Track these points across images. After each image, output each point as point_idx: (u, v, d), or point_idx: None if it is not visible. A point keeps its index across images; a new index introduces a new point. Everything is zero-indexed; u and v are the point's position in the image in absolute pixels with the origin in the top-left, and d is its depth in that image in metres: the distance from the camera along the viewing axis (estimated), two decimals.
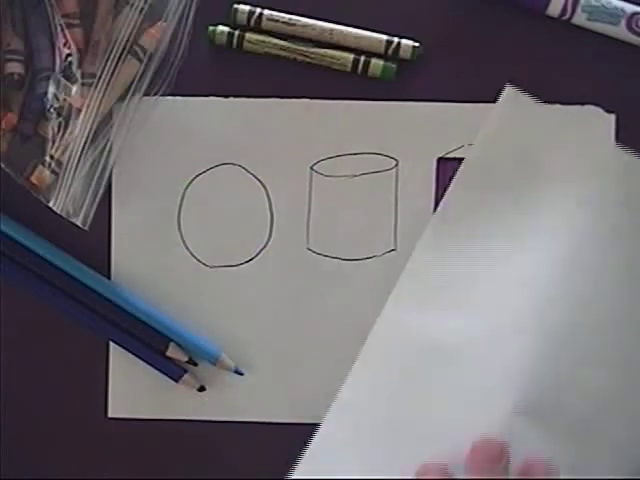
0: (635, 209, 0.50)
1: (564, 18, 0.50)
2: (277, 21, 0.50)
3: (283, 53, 0.50)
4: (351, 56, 0.50)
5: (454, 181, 0.50)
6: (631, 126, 0.50)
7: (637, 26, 0.50)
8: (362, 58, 0.50)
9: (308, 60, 0.50)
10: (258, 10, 0.51)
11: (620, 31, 0.50)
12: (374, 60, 0.50)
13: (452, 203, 0.50)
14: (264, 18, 0.50)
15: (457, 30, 0.51)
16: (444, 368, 0.48)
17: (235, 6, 0.51)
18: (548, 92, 0.50)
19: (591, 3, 0.50)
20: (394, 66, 0.50)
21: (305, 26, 0.50)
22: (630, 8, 0.50)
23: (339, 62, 0.50)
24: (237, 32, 0.50)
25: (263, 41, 0.50)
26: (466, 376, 0.48)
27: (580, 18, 0.50)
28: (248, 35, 0.50)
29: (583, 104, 0.50)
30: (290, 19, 0.50)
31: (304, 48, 0.50)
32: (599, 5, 0.50)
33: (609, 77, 0.51)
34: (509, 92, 0.50)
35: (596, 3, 0.50)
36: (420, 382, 0.49)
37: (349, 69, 0.50)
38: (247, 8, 0.51)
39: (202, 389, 0.50)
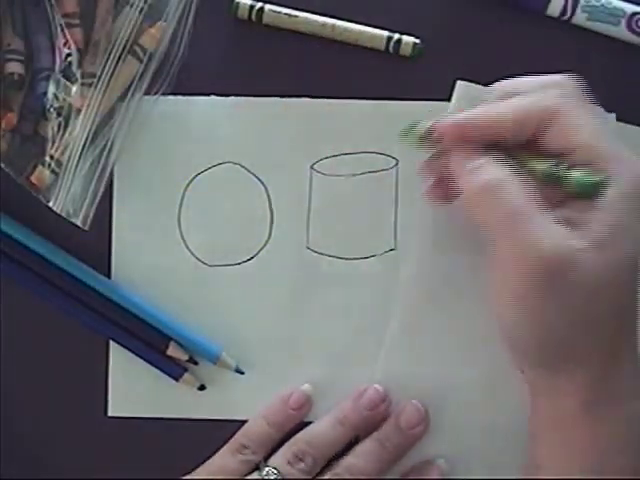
0: None
1: (564, 18, 0.50)
2: (278, 14, 0.50)
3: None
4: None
5: None
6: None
7: (637, 26, 0.50)
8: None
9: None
10: (259, 4, 0.51)
11: (620, 31, 0.50)
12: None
13: None
14: (265, 12, 0.50)
15: (457, 30, 0.51)
16: None
17: (236, 0, 0.51)
18: None
19: (591, 3, 0.50)
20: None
21: (306, 20, 0.50)
22: (630, 8, 0.50)
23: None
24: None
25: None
26: None
27: (580, 18, 0.50)
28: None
29: None
30: (291, 13, 0.50)
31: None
32: (599, 5, 0.50)
33: (609, 77, 0.51)
34: (461, 86, 0.50)
35: (596, 3, 0.50)
36: None
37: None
38: (248, 2, 0.51)
39: (202, 388, 0.50)
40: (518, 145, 0.42)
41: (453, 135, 0.42)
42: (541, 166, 0.41)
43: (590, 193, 0.40)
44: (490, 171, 0.40)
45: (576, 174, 0.40)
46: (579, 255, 0.38)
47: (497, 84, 0.44)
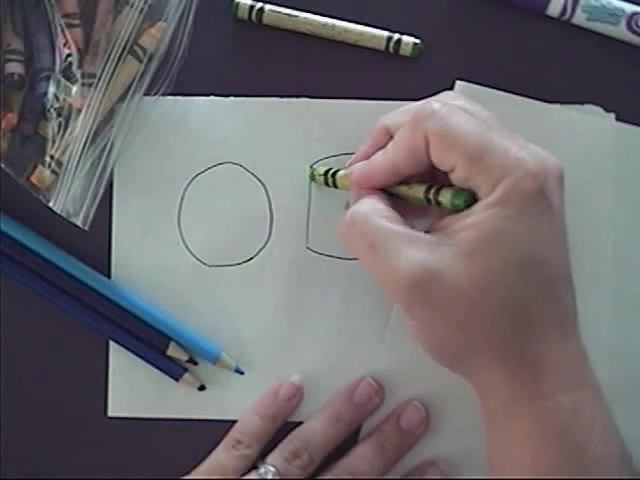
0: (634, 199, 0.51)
1: (564, 18, 0.50)
2: (279, 14, 0.50)
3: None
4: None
5: None
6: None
7: (637, 26, 0.50)
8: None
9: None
10: (259, 4, 0.51)
11: (620, 31, 0.50)
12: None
13: None
14: (265, 12, 0.51)
15: (457, 29, 0.51)
16: None
17: (236, 0, 0.51)
18: (548, 92, 0.50)
19: (591, 3, 0.50)
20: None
21: (306, 21, 0.50)
22: (630, 8, 0.50)
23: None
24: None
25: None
26: None
27: (580, 18, 0.50)
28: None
29: (583, 104, 0.50)
30: (291, 13, 0.51)
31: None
32: (599, 5, 0.50)
33: (609, 77, 0.51)
34: (460, 86, 0.50)
35: (596, 3, 0.50)
36: None
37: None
38: (248, 2, 0.51)
39: (202, 388, 0.50)
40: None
41: (362, 184, 0.45)
42: (414, 194, 0.43)
43: (462, 208, 0.41)
44: (355, 208, 0.43)
45: (444, 198, 0.41)
46: (441, 269, 0.39)
47: (380, 120, 0.46)
